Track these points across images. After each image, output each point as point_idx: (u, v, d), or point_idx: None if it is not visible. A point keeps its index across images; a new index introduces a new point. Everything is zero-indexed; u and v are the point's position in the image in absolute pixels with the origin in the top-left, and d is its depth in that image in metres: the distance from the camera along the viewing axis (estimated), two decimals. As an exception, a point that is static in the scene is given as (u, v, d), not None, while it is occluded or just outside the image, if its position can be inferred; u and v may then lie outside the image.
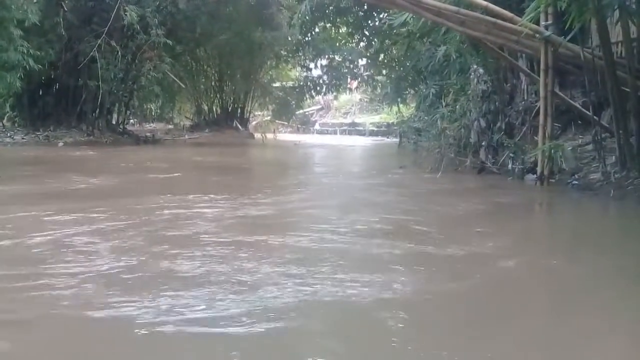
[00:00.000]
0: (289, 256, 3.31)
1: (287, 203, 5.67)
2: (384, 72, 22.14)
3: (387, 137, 24.59)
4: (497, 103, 9.37)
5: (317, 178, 9.16)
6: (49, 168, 9.22)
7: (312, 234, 3.97)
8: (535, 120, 8.04)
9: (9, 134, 15.18)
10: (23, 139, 14.94)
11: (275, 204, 5.52)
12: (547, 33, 7.09)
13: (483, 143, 9.08)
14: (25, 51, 13.23)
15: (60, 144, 14.49)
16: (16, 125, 16.16)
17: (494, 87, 9.46)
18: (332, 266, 3.09)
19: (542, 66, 7.30)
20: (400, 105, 21.42)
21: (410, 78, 17.47)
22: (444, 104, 10.40)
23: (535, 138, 7.77)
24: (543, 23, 7.16)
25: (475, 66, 9.29)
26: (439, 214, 5.26)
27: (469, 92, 9.35)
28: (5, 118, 16.32)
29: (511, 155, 8.61)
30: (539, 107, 7.64)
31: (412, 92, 18.29)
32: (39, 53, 13.79)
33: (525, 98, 9.43)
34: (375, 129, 29.54)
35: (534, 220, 5.77)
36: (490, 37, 7.68)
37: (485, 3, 7.37)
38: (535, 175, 7.38)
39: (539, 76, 7.60)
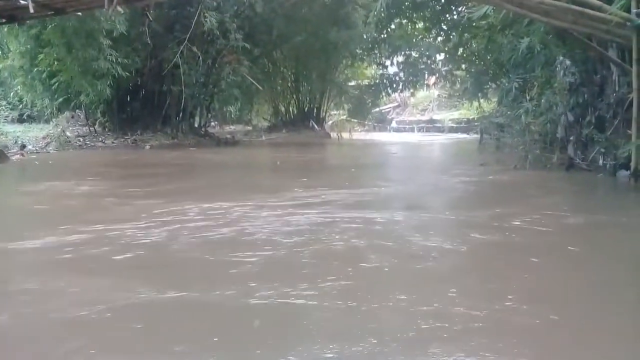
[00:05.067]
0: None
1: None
2: (463, 66, 21.54)
3: (468, 134, 23.89)
4: (585, 96, 8.80)
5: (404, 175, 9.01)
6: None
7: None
8: (628, 113, 7.48)
9: (100, 139, 16.10)
10: (113, 142, 15.79)
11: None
12: None
13: (571, 138, 8.60)
14: (114, 60, 14.02)
15: (147, 147, 15.17)
16: (106, 129, 17.10)
17: (582, 79, 8.89)
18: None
19: (634, 56, 6.79)
20: (481, 100, 20.81)
21: (491, 72, 16.91)
22: (528, 98, 9.93)
23: (629, 132, 7.22)
24: (634, 10, 6.63)
25: (561, 58, 8.80)
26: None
27: (555, 85, 8.88)
28: (97, 123, 17.30)
29: (602, 150, 8.10)
30: (631, 99, 7.12)
31: (494, 86, 17.67)
32: (126, 61, 14.56)
33: (617, 90, 8.74)
34: (455, 125, 28.78)
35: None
36: (577, 27, 7.24)
37: (570, -9, 6.95)
38: (628, 172, 6.89)
39: (631, 66, 7.08)
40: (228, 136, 19.36)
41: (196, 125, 19.03)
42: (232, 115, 24.34)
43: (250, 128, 24.33)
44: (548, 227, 4.37)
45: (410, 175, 9.31)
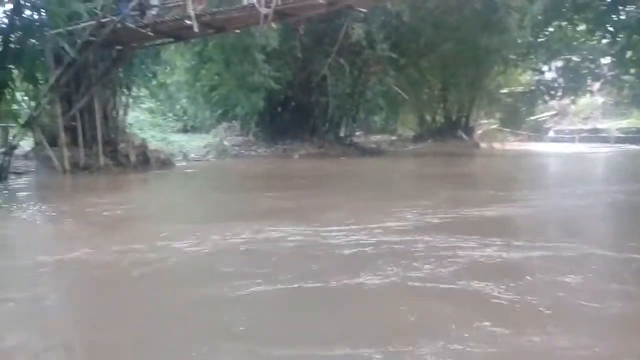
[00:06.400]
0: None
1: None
2: (632, 70, 19.48)
3: (638, 145, 21.56)
4: None
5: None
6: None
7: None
8: None
9: (253, 147, 17.17)
10: (265, 151, 16.73)
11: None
12: None
13: None
14: (267, 73, 14.85)
15: (296, 156, 15.81)
16: (259, 139, 18.16)
17: None
18: None
19: None
20: (654, 108, 18.67)
21: (667, 76, 15.04)
22: None
23: None
24: None
25: None
26: None
27: None
28: (251, 133, 18.45)
29: None
30: None
31: (670, 92, 15.72)
32: (278, 74, 15.35)
33: None
34: (623, 135, 26.07)
35: None
36: None
37: None
38: None
39: None
40: (373, 146, 19.50)
41: (342, 135, 19.42)
42: (377, 125, 24.52)
43: (395, 138, 24.28)
44: None
45: (577, 193, 8.02)
